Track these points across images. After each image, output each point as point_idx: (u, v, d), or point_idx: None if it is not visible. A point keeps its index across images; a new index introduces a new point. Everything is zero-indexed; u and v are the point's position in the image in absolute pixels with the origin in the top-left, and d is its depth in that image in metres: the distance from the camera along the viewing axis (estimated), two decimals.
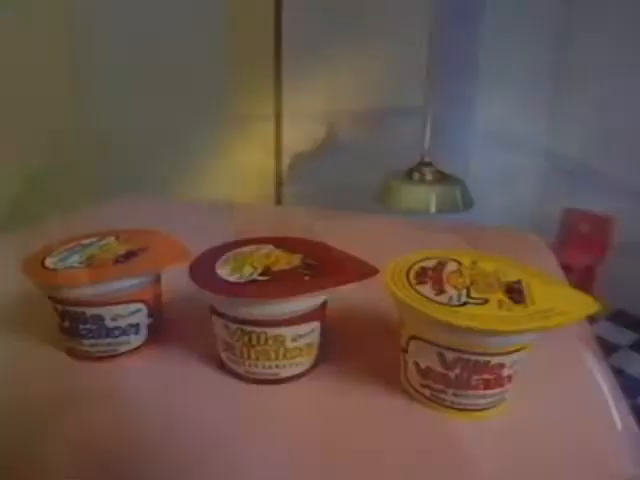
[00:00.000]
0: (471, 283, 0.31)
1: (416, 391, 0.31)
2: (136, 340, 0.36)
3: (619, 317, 2.34)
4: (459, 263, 0.34)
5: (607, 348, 2.13)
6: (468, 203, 1.31)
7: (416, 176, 1.32)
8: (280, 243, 0.37)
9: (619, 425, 0.30)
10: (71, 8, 0.94)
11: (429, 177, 1.32)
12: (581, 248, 2.42)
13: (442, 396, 0.30)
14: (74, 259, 0.35)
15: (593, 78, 2.32)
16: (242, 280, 0.31)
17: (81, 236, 0.39)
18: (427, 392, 0.31)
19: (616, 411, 0.31)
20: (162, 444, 0.29)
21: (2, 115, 0.89)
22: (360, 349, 0.37)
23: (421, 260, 0.34)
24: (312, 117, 1.57)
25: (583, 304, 0.28)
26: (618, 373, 0.35)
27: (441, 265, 0.33)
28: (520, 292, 0.29)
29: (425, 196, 1.28)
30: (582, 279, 2.31)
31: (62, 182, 0.99)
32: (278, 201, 1.49)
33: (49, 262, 0.35)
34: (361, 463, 0.27)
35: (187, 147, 1.23)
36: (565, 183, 2.53)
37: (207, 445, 0.28)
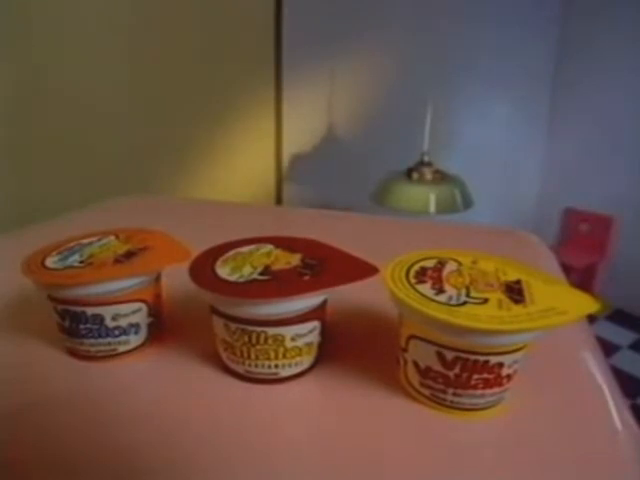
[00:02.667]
0: (471, 283, 0.31)
1: (416, 391, 0.31)
2: (136, 340, 0.36)
3: (619, 317, 2.35)
4: (459, 263, 0.34)
5: (607, 348, 2.13)
6: (468, 203, 1.31)
7: (416, 176, 1.32)
8: (280, 243, 0.37)
9: (619, 425, 0.30)
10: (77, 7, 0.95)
11: (429, 177, 1.32)
12: (581, 248, 2.42)
13: (442, 395, 0.30)
14: (74, 259, 0.35)
15: (593, 78, 2.33)
16: (242, 280, 0.31)
17: (81, 236, 0.39)
18: (427, 392, 0.31)
19: (616, 411, 0.31)
20: (161, 444, 0.29)
21: (2, 114, 0.89)
22: (360, 349, 0.38)
23: (421, 260, 0.34)
24: (312, 117, 1.57)
25: (583, 304, 0.28)
26: (618, 373, 0.35)
27: (441, 265, 0.33)
28: (520, 292, 0.29)
29: (425, 196, 1.28)
30: (582, 279, 2.32)
31: (62, 182, 0.99)
32: (278, 201, 1.49)
33: (49, 262, 0.35)
34: (360, 463, 0.27)
35: (187, 147, 1.23)
36: (565, 183, 2.54)
37: (206, 445, 0.28)
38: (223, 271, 0.33)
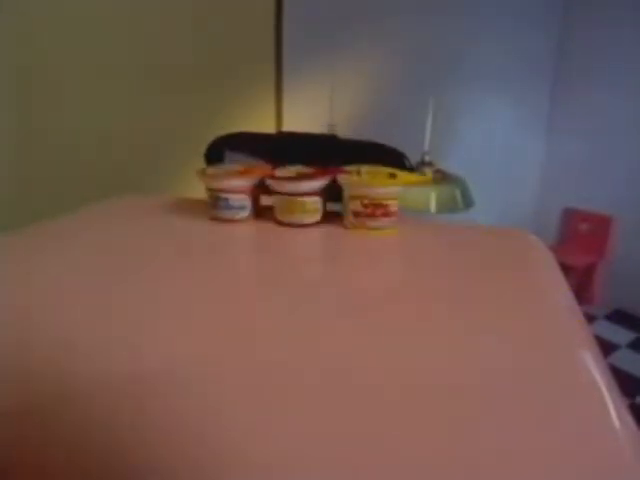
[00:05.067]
0: (372, 172, 0.59)
1: (352, 224, 0.58)
2: (243, 213, 0.60)
3: (618, 316, 2.35)
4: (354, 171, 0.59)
5: (606, 347, 2.14)
6: (468, 203, 1.31)
7: None
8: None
9: (618, 425, 0.30)
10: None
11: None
12: (581, 248, 2.42)
13: (365, 223, 0.57)
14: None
15: (593, 78, 2.33)
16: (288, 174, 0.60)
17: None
18: (357, 223, 0.57)
19: (615, 411, 0.31)
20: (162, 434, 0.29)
21: (2, 114, 0.89)
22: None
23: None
24: (312, 116, 1.57)
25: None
26: (617, 372, 0.35)
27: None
28: (395, 176, 0.58)
29: (425, 196, 1.28)
30: (582, 279, 2.32)
31: (63, 182, 0.99)
32: None
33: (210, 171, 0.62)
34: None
35: (187, 147, 1.23)
36: (565, 183, 2.54)
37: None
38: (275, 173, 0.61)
